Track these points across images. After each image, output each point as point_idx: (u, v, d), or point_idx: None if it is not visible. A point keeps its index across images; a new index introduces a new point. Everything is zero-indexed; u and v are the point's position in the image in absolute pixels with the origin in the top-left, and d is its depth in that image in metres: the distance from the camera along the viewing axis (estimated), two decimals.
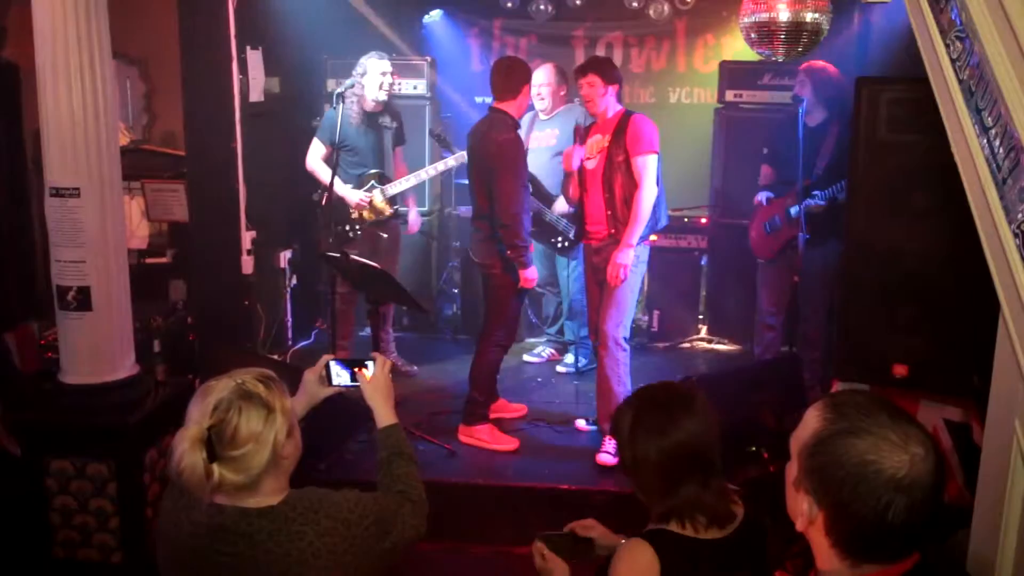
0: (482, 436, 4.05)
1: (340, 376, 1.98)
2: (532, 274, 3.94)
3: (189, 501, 1.62)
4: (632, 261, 3.87)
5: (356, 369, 1.98)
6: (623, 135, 3.88)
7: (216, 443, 1.56)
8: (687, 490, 1.72)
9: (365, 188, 4.66)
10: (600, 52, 6.26)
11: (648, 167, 3.85)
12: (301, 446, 1.72)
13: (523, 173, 3.94)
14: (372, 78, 4.56)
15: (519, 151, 3.94)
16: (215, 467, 1.55)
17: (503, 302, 4.03)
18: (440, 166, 4.82)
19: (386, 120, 4.74)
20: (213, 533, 1.61)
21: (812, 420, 1.29)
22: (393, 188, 4.72)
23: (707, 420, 1.77)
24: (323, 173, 4.60)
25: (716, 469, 1.76)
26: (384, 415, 1.98)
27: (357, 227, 4.67)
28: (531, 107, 4.85)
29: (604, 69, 3.94)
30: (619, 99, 4.02)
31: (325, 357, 2.00)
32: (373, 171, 4.69)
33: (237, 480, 1.58)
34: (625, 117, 3.94)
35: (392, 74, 4.63)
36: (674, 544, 1.71)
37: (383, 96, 4.61)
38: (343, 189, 4.58)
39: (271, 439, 1.60)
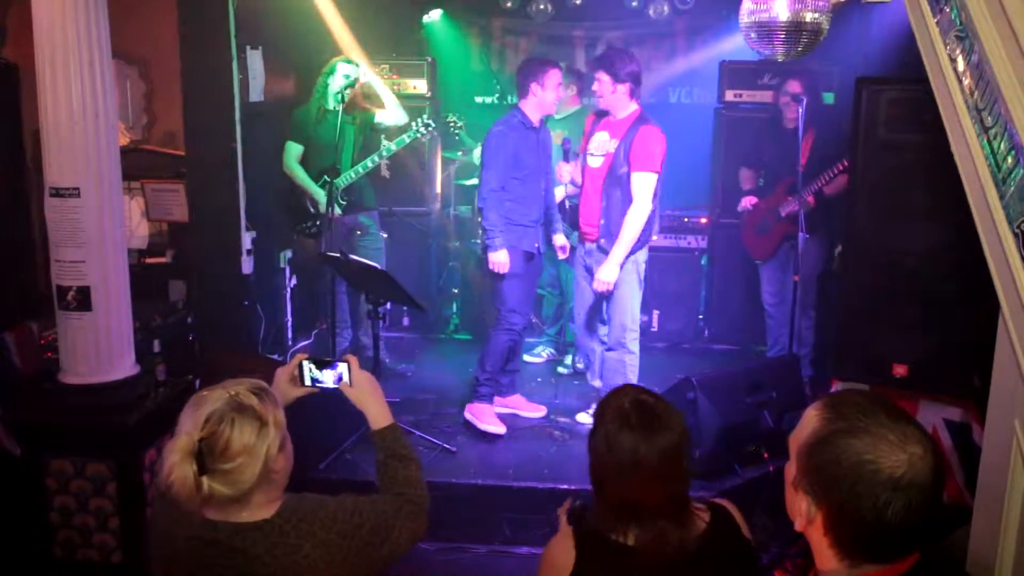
0: (475, 413, 4.13)
1: (313, 376, 1.93)
2: (498, 258, 3.99)
3: (180, 516, 1.59)
4: (616, 277, 3.90)
5: (329, 371, 1.93)
6: (630, 145, 3.86)
7: (207, 455, 1.53)
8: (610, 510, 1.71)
9: (320, 183, 4.68)
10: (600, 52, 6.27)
11: (645, 185, 3.85)
12: (293, 460, 1.69)
13: (504, 163, 4.01)
14: (336, 80, 4.64)
15: (501, 142, 4.03)
16: (205, 480, 1.52)
17: (494, 285, 4.16)
18: (384, 153, 4.75)
19: (354, 118, 4.75)
20: (208, 549, 1.58)
21: (811, 420, 1.29)
22: (343, 180, 4.70)
23: (665, 439, 1.68)
24: (300, 174, 4.73)
25: (644, 516, 1.68)
26: (377, 417, 1.92)
27: (319, 222, 4.68)
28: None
29: (614, 66, 3.91)
30: (634, 96, 3.97)
31: (298, 356, 1.96)
32: (328, 166, 4.65)
33: (227, 493, 1.55)
34: (636, 124, 3.90)
35: (356, 79, 4.66)
36: (600, 547, 1.70)
37: (343, 97, 4.61)
38: (315, 191, 4.70)
39: (263, 452, 1.57)
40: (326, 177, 4.63)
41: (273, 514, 1.62)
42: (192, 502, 1.53)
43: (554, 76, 4.03)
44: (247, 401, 1.59)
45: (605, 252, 3.95)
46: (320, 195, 4.67)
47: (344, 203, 4.74)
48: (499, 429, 4.11)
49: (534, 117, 4.08)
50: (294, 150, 4.77)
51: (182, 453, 1.51)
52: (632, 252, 3.93)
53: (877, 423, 1.22)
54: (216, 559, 1.58)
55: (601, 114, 4.14)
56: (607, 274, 3.87)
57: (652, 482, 1.67)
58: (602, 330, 4.20)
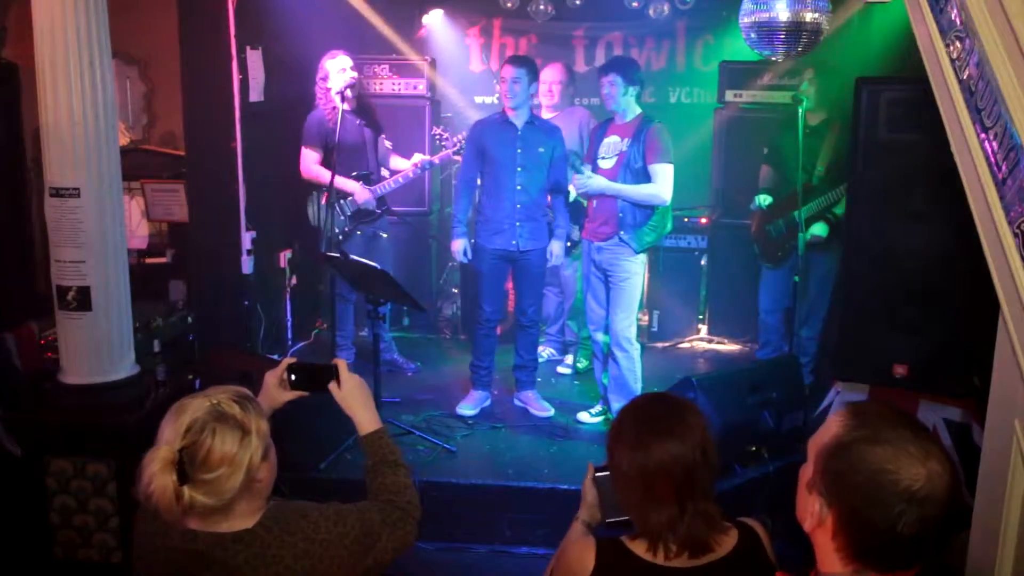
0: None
1: (301, 381, 1.92)
2: (453, 246, 4.36)
3: (162, 526, 1.56)
4: (598, 189, 4.09)
5: (320, 377, 1.91)
6: (642, 143, 3.99)
7: (188, 465, 1.49)
8: (660, 514, 1.64)
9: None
10: (600, 52, 6.29)
11: (666, 174, 4.00)
12: (276, 469, 1.66)
13: (469, 156, 4.32)
14: (335, 78, 4.46)
15: (469, 136, 4.39)
16: (186, 490, 1.49)
17: None
18: (426, 165, 4.73)
19: (363, 119, 4.65)
20: (188, 560, 1.56)
21: (834, 425, 1.29)
22: (380, 189, 4.65)
23: (692, 442, 1.65)
24: (323, 174, 4.49)
25: (699, 494, 1.66)
26: (364, 421, 1.89)
27: (347, 228, 4.60)
28: (537, 104, 4.91)
29: (626, 70, 4.06)
30: (639, 100, 4.11)
31: (286, 360, 1.94)
32: (362, 172, 4.61)
33: (208, 503, 1.51)
34: (644, 124, 4.04)
35: (353, 68, 4.52)
36: (621, 561, 1.66)
37: (349, 93, 4.48)
38: (345, 183, 4.51)
39: (245, 462, 1.53)
40: (361, 184, 4.60)
41: (255, 524, 1.59)
42: (172, 512, 1.49)
43: (503, 71, 4.21)
44: (229, 410, 1.55)
45: (624, 243, 4.05)
46: (356, 186, 4.55)
47: (380, 212, 4.68)
48: (468, 411, 4.34)
49: (511, 113, 4.19)
50: (311, 156, 4.54)
51: (162, 463, 1.48)
52: (644, 250, 4.10)
53: (900, 436, 1.23)
54: (196, 570, 1.56)
55: (605, 123, 4.22)
56: (595, 185, 4.06)
57: (688, 492, 1.65)
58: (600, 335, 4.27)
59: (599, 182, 4.05)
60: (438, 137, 4.80)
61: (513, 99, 4.14)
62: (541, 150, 4.22)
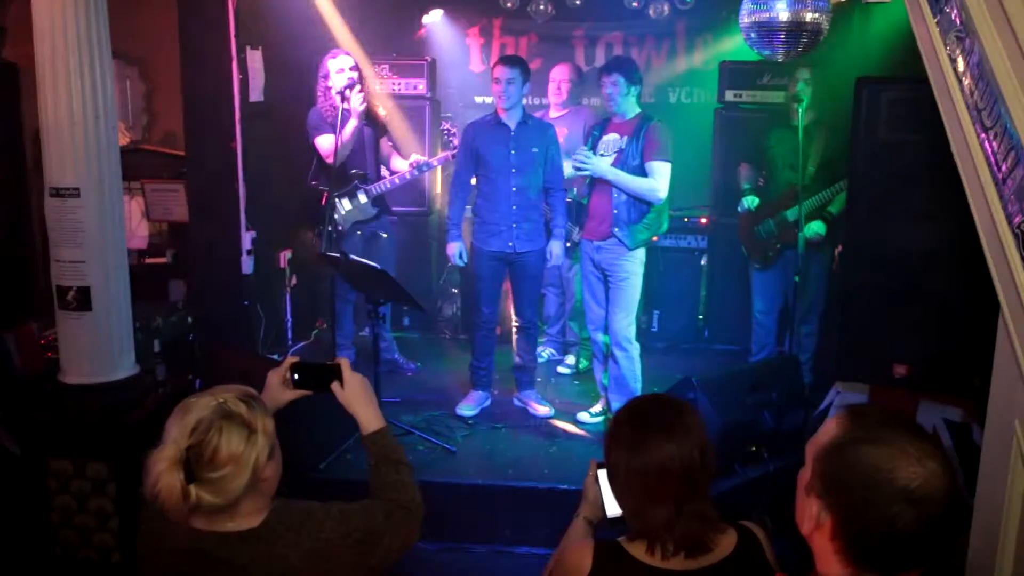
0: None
1: (305, 380, 1.92)
2: (448, 250, 4.36)
3: (167, 526, 1.57)
4: (599, 170, 4.07)
5: (323, 377, 1.92)
6: (641, 140, 4.00)
7: (194, 464, 1.50)
8: (657, 514, 1.64)
9: (346, 190, 4.57)
10: (600, 52, 6.29)
11: (663, 171, 4.01)
12: (282, 468, 1.67)
13: (463, 158, 4.31)
14: (335, 78, 4.42)
15: (462, 138, 4.35)
16: (192, 488, 1.49)
17: None
18: (423, 167, 4.69)
19: (363, 118, 4.56)
20: (194, 560, 1.56)
21: (831, 427, 1.29)
22: (376, 189, 4.64)
23: (690, 443, 1.65)
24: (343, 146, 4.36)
25: (696, 494, 1.66)
26: (367, 420, 1.89)
27: (340, 226, 4.52)
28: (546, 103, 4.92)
29: (628, 70, 4.07)
30: (638, 100, 4.14)
31: (288, 360, 1.94)
32: (359, 172, 4.59)
33: (215, 502, 1.52)
34: (644, 121, 4.05)
35: (352, 68, 4.46)
36: (618, 563, 1.66)
37: (349, 92, 4.38)
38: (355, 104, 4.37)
39: (251, 461, 1.54)
40: (356, 183, 4.58)
41: (260, 523, 1.60)
42: (179, 511, 1.50)
43: (496, 72, 4.18)
44: (235, 409, 1.56)
45: (620, 241, 4.04)
46: (356, 99, 4.38)
47: (375, 211, 4.66)
48: (467, 411, 4.35)
49: (504, 114, 4.18)
50: (330, 142, 4.32)
51: (169, 462, 1.48)
52: (637, 247, 4.08)
53: (896, 436, 1.22)
54: (201, 569, 1.56)
55: (604, 120, 4.23)
56: (594, 166, 4.03)
57: (684, 492, 1.65)
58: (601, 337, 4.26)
59: (598, 163, 4.03)
60: (446, 132, 4.80)
61: (508, 100, 4.13)
62: (535, 150, 4.21)
